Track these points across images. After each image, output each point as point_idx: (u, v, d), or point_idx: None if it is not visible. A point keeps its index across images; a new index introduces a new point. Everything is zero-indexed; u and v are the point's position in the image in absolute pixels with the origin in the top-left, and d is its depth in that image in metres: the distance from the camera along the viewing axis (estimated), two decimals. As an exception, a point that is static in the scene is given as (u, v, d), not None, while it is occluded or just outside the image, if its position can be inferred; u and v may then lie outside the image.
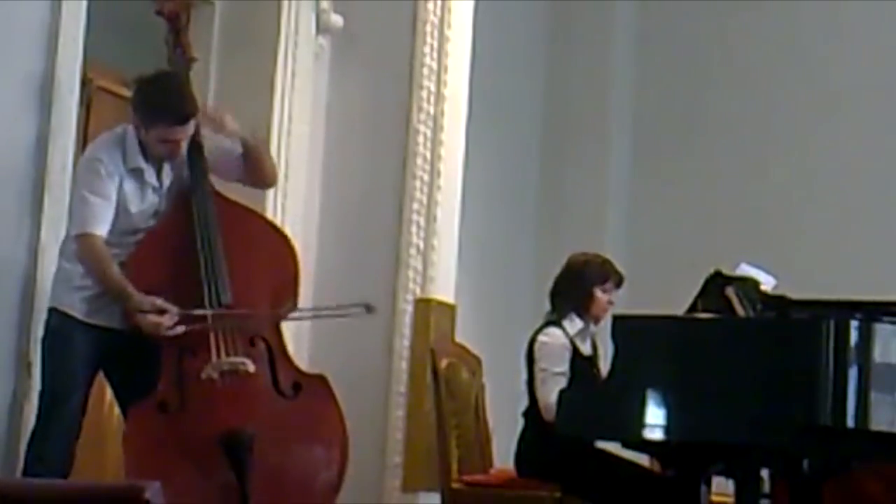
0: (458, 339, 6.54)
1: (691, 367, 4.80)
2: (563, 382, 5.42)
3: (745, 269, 5.29)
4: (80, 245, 4.88)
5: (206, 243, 4.95)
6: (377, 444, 6.33)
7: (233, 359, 4.87)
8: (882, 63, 7.84)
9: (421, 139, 6.52)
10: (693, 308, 5.13)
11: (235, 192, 5.26)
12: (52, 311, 4.98)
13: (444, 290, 6.57)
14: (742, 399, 4.69)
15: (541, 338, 5.61)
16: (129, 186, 4.94)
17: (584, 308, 5.67)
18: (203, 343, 4.86)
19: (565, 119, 8.21)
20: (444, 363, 5.90)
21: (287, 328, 5.19)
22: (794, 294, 5.04)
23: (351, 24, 6.61)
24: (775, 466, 5.07)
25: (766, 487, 5.19)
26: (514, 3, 7.84)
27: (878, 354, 4.67)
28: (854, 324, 4.62)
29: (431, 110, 6.53)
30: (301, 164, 6.38)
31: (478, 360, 6.24)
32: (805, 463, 4.90)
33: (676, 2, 8.24)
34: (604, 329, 5.35)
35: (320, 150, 6.60)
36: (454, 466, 5.76)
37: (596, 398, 5.10)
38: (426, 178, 6.51)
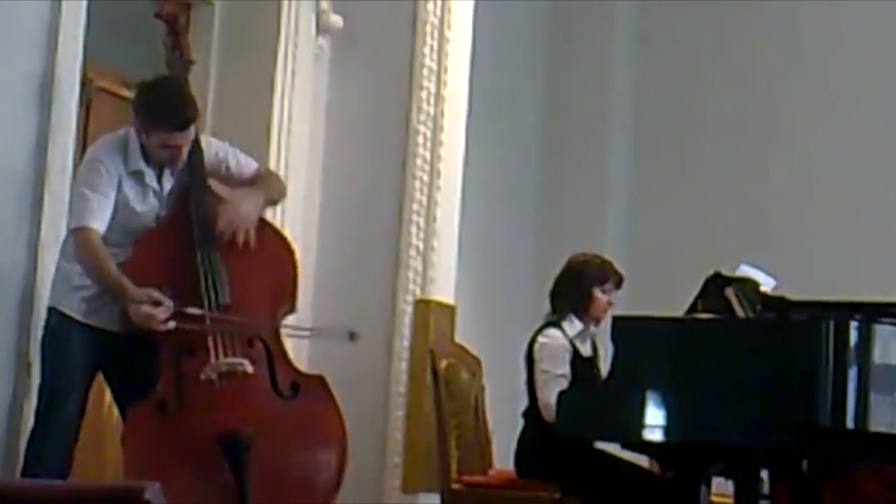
0: (458, 339, 6.54)
1: (691, 368, 4.80)
2: (564, 384, 5.43)
3: (745, 270, 5.29)
4: (75, 238, 4.88)
5: (204, 244, 4.95)
6: (377, 444, 6.33)
7: (231, 360, 4.87)
8: (882, 63, 7.84)
9: (421, 139, 6.52)
10: (693, 309, 5.14)
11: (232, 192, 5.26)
12: (52, 311, 4.98)
13: (443, 290, 6.57)
14: (742, 400, 4.69)
15: (540, 339, 5.61)
16: (130, 189, 4.95)
17: (583, 309, 5.68)
18: (202, 344, 4.86)
19: (565, 119, 8.21)
20: (443, 364, 5.90)
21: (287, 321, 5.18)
22: (794, 295, 5.04)
23: (351, 24, 6.61)
24: (775, 467, 5.07)
25: (766, 488, 5.19)
26: (514, 3, 7.84)
27: (877, 355, 4.67)
28: (854, 325, 4.62)
29: (431, 111, 6.53)
30: (301, 165, 6.38)
31: (477, 361, 6.25)
32: (804, 463, 4.90)
33: (676, 2, 8.24)
34: (604, 330, 5.36)
35: (320, 151, 6.60)
36: (454, 467, 5.76)
37: (595, 399, 5.10)
38: (426, 178, 6.51)
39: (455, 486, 5.74)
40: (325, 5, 6.54)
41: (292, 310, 5.21)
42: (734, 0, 8.15)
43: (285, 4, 6.35)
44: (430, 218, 6.50)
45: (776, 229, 7.74)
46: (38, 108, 5.24)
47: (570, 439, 5.22)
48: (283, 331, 5.09)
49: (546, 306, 5.78)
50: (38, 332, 5.07)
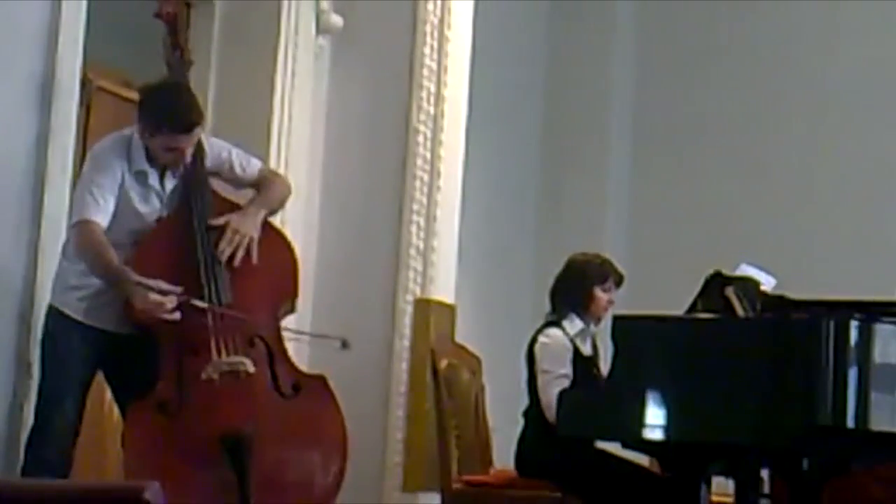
0: (458, 339, 6.54)
1: (691, 368, 4.80)
2: (566, 384, 5.43)
3: (745, 269, 5.29)
4: (76, 232, 4.88)
5: (206, 245, 4.95)
6: (377, 444, 6.33)
7: (232, 359, 4.87)
8: (882, 63, 7.84)
9: (421, 139, 6.52)
10: (693, 308, 5.13)
11: (235, 192, 5.26)
12: (51, 311, 4.99)
13: (443, 290, 6.57)
14: (742, 399, 4.69)
15: (541, 339, 5.62)
16: (133, 189, 4.95)
17: (584, 308, 5.68)
18: (203, 343, 4.86)
19: (565, 119, 8.21)
20: (443, 363, 5.91)
21: (288, 327, 5.18)
22: (795, 294, 5.04)
23: (351, 24, 6.61)
24: (775, 466, 5.06)
25: (766, 487, 5.19)
26: (514, 3, 7.84)
27: (878, 354, 4.67)
28: (854, 324, 4.62)
29: (431, 110, 6.53)
30: (301, 165, 6.38)
31: (478, 361, 6.25)
32: (805, 463, 4.89)
33: (676, 1, 8.24)
34: (604, 329, 5.36)
35: (320, 150, 6.60)
36: (454, 466, 5.77)
37: (596, 398, 5.10)
38: (426, 178, 6.51)
39: (455, 485, 5.74)
40: (325, 5, 6.54)
41: (293, 309, 5.22)
42: (734, 0, 8.15)
43: (285, 4, 6.36)
44: (430, 217, 6.50)
45: (776, 228, 7.74)
46: (39, 108, 5.24)
47: (570, 439, 5.22)
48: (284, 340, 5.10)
49: (546, 305, 5.78)
50: (37, 333, 5.07)
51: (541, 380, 5.54)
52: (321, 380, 5.05)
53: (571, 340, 5.60)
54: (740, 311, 5.01)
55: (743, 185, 7.99)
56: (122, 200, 4.92)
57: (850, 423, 4.59)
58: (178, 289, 4.77)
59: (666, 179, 8.15)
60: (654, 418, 4.81)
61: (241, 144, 5.32)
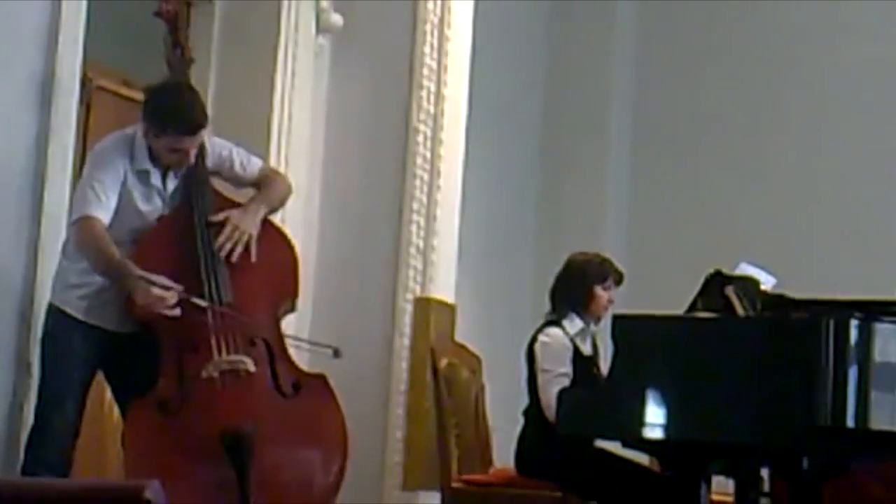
0: (458, 338, 6.55)
1: (691, 367, 4.80)
2: (566, 383, 5.43)
3: (745, 269, 5.29)
4: (78, 228, 4.87)
5: (206, 243, 4.95)
6: (377, 443, 6.33)
7: (233, 358, 4.87)
8: (882, 63, 7.84)
9: (421, 139, 6.53)
10: (693, 307, 5.13)
11: (235, 191, 5.26)
12: (51, 309, 4.99)
13: (443, 289, 6.57)
14: (742, 398, 4.69)
15: (541, 338, 5.62)
16: (136, 187, 4.95)
17: (584, 307, 5.68)
18: (203, 342, 4.86)
19: (565, 119, 8.21)
20: (443, 362, 5.91)
21: (287, 329, 5.18)
22: (794, 293, 5.04)
23: (351, 23, 6.62)
24: (775, 465, 5.06)
25: (766, 486, 5.19)
26: (514, 3, 7.84)
27: (878, 354, 4.66)
28: (854, 323, 4.61)
29: (431, 110, 6.54)
30: (301, 164, 6.38)
31: (478, 360, 6.25)
32: (805, 462, 4.89)
33: (676, 1, 8.24)
34: (604, 329, 5.36)
35: (320, 149, 6.60)
36: (454, 465, 5.77)
37: (596, 398, 5.10)
38: (426, 177, 6.52)
39: (455, 484, 5.74)
40: (325, 4, 6.54)
41: (293, 308, 5.22)
42: (734, 0, 8.15)
43: (285, 3, 6.36)
44: (430, 217, 6.50)
45: (776, 228, 7.74)
46: (39, 107, 5.24)
47: (570, 438, 5.22)
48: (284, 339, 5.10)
49: (546, 305, 5.78)
50: (37, 332, 5.07)
51: (541, 379, 5.54)
52: (321, 379, 5.05)
53: (571, 340, 5.60)
54: (740, 311, 5.01)
55: (743, 184, 7.99)
56: (124, 199, 4.93)
57: (850, 422, 4.59)
58: (180, 286, 4.77)
59: (666, 179, 8.15)
60: (654, 417, 4.81)
61: (241, 143, 5.32)
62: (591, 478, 5.48)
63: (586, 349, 5.67)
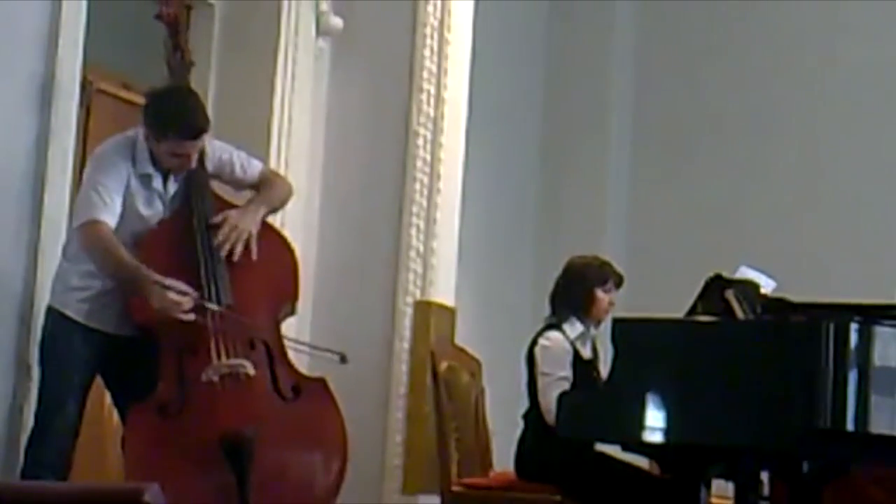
0: (458, 341, 6.54)
1: (691, 370, 4.80)
2: (566, 387, 5.43)
3: (745, 272, 5.29)
4: (84, 233, 4.86)
5: (206, 248, 4.95)
6: (377, 446, 6.33)
7: (233, 361, 4.87)
8: (882, 63, 7.84)
9: (421, 141, 6.52)
10: (693, 311, 5.13)
11: (236, 194, 5.26)
12: (50, 312, 4.99)
13: (443, 292, 6.57)
14: (742, 402, 4.68)
15: (542, 341, 5.62)
16: (137, 191, 4.96)
17: (585, 310, 5.68)
18: (203, 345, 4.86)
19: (565, 120, 8.21)
20: (443, 366, 5.90)
21: (287, 332, 5.18)
22: (795, 297, 5.04)
23: (351, 26, 6.61)
24: (775, 469, 5.07)
25: (766, 490, 5.19)
26: (513, 4, 7.84)
27: (877, 357, 4.66)
28: (854, 326, 4.61)
29: (431, 113, 6.53)
30: (301, 166, 6.38)
31: (478, 363, 6.25)
32: (805, 465, 4.89)
33: (676, 2, 8.24)
34: (603, 332, 5.36)
35: (320, 152, 6.60)
36: (454, 469, 5.76)
37: (596, 401, 5.10)
38: (426, 180, 6.51)
39: (455, 488, 5.73)
40: (325, 7, 6.54)
41: (293, 311, 5.22)
42: (735, 0, 8.15)
43: (285, 6, 6.36)
44: (430, 220, 6.50)
45: (776, 231, 7.74)
46: (39, 110, 5.24)
47: (570, 441, 5.22)
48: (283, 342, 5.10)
49: (546, 308, 5.78)
50: (37, 334, 5.07)
51: (541, 382, 5.54)
52: (321, 382, 5.06)
53: (571, 343, 5.60)
54: (740, 314, 5.01)
55: (743, 186, 7.99)
56: (127, 203, 4.93)
57: (850, 425, 4.59)
58: (195, 292, 4.78)
59: (666, 180, 8.15)
60: (654, 421, 4.81)
61: (241, 146, 5.33)
62: (591, 481, 5.48)
63: (586, 353, 5.67)
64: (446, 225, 6.56)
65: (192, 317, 4.78)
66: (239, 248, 4.98)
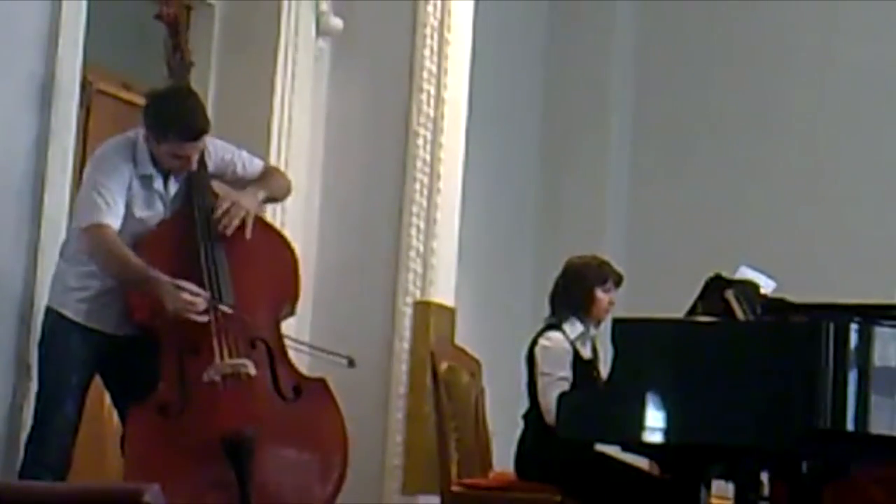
0: (458, 341, 6.54)
1: (691, 371, 4.80)
2: (566, 387, 5.43)
3: (745, 272, 5.30)
4: (91, 236, 4.86)
5: (208, 248, 4.95)
6: (377, 446, 6.33)
7: (234, 361, 4.87)
8: (882, 63, 7.84)
9: (421, 142, 6.52)
10: (693, 311, 5.14)
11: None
12: (49, 312, 4.99)
13: (443, 292, 6.57)
14: (742, 402, 4.69)
15: (542, 341, 5.62)
16: (138, 192, 4.95)
17: (585, 310, 5.68)
18: (205, 345, 4.86)
19: (565, 119, 8.21)
20: (443, 366, 5.90)
21: (286, 332, 5.18)
22: (794, 297, 5.04)
23: (351, 26, 6.61)
24: (775, 469, 5.07)
25: (766, 490, 5.19)
26: (514, 5, 7.84)
27: (877, 358, 4.67)
28: (854, 327, 4.62)
29: (431, 113, 6.53)
30: (301, 167, 6.37)
31: (477, 363, 6.25)
32: (804, 465, 4.89)
33: (676, 2, 8.24)
34: (604, 332, 5.36)
35: (320, 153, 6.60)
36: (454, 469, 5.76)
37: (596, 401, 5.11)
38: (426, 180, 6.51)
39: (455, 488, 5.74)
40: (324, 7, 6.53)
41: (293, 311, 5.22)
42: (734, 0, 8.15)
43: (285, 6, 6.35)
44: (430, 220, 6.50)
45: (776, 231, 7.73)
46: (39, 110, 5.24)
47: (570, 441, 5.22)
48: (284, 342, 5.10)
49: (546, 308, 5.78)
50: (37, 334, 5.07)
51: (540, 383, 5.54)
52: (321, 382, 5.06)
53: (571, 343, 5.60)
54: (740, 314, 5.02)
55: (743, 186, 7.98)
56: (128, 203, 4.92)
57: (850, 426, 4.60)
58: (207, 294, 4.79)
59: (666, 180, 8.15)
60: (654, 421, 4.82)
61: (241, 146, 5.32)
62: (591, 482, 5.48)
63: (586, 353, 5.67)
64: (446, 225, 6.56)
65: (206, 318, 4.79)
66: (235, 223, 4.97)
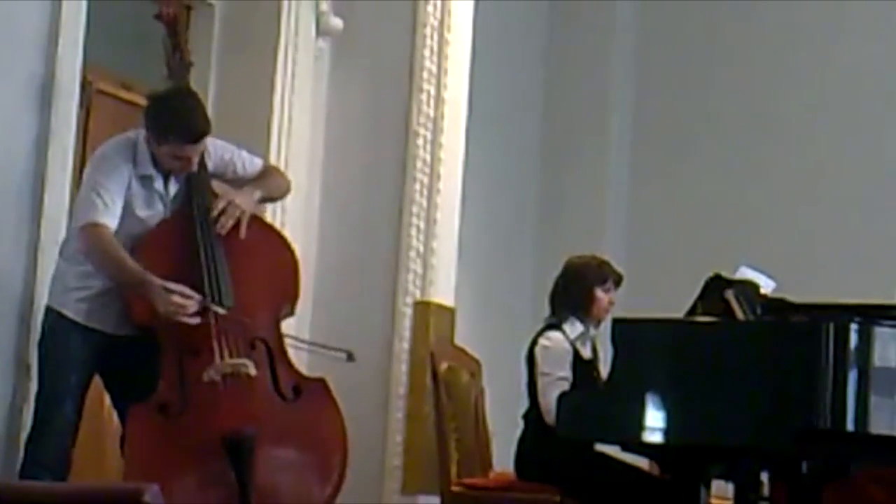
0: (458, 341, 6.54)
1: (691, 371, 4.80)
2: (566, 387, 5.43)
3: (745, 272, 5.29)
4: (87, 235, 4.86)
5: (207, 248, 4.95)
6: (377, 446, 6.33)
7: (235, 361, 4.87)
8: (882, 63, 7.84)
9: (421, 142, 6.52)
10: (692, 311, 5.14)
11: (236, 193, 5.27)
12: (49, 312, 4.99)
13: (443, 292, 6.57)
14: (741, 402, 4.69)
15: (542, 341, 5.62)
16: (138, 192, 4.96)
17: (585, 310, 5.68)
18: (205, 345, 4.86)
19: (565, 119, 8.21)
20: (443, 366, 5.90)
21: (286, 332, 5.18)
22: (794, 297, 5.04)
23: (351, 26, 6.61)
24: (775, 469, 5.07)
25: (766, 490, 5.19)
26: (514, 4, 7.84)
27: (877, 358, 4.67)
28: (854, 327, 4.62)
29: (431, 113, 6.53)
30: (301, 166, 6.38)
31: (477, 363, 6.25)
32: (804, 465, 4.89)
33: (676, 2, 8.24)
34: (604, 332, 5.36)
35: (320, 153, 6.60)
36: (454, 469, 5.76)
37: (595, 401, 5.11)
38: (426, 180, 6.51)
39: (455, 488, 5.74)
40: (324, 7, 6.54)
41: (293, 312, 5.22)
42: (734, 0, 8.15)
43: (285, 6, 6.36)
44: (430, 220, 6.50)
45: (776, 231, 7.73)
46: (39, 110, 5.25)
47: (570, 441, 5.22)
48: (284, 342, 5.10)
49: (546, 308, 5.78)
50: (37, 334, 5.07)
51: (540, 383, 5.54)
52: (321, 382, 5.06)
53: (571, 343, 5.60)
54: (740, 314, 5.01)
55: (742, 186, 7.98)
56: (127, 203, 4.92)
57: (850, 426, 4.60)
58: (199, 297, 4.79)
59: (666, 180, 8.15)
60: (654, 421, 4.82)
61: (241, 146, 5.32)
62: (591, 482, 5.47)
63: (586, 353, 5.67)
64: (446, 225, 6.56)
65: (197, 320, 4.78)
66: (230, 224, 4.97)
